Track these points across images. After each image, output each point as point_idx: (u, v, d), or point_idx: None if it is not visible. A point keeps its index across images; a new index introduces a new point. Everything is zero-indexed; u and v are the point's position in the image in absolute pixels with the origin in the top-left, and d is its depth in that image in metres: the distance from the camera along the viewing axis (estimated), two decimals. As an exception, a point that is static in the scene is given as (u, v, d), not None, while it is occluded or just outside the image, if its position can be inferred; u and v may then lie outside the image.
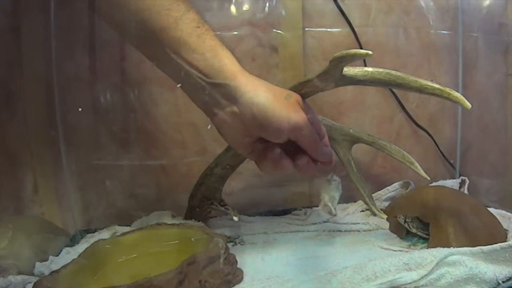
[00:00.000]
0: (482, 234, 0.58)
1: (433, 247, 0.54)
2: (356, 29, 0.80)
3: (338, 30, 0.81)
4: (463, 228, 0.59)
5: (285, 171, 0.48)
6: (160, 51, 0.47)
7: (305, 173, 0.50)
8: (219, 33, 0.75)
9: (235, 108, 0.46)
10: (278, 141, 0.47)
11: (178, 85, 0.48)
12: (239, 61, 0.48)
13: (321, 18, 0.80)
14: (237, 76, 0.46)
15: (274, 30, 0.79)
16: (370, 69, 0.55)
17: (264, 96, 0.46)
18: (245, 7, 0.78)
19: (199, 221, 0.70)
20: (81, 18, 0.74)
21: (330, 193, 0.60)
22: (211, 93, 0.47)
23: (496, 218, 0.63)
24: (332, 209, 0.59)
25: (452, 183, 0.82)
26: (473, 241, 0.55)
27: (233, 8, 0.78)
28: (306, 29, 0.80)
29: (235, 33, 0.78)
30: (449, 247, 0.53)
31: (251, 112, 0.45)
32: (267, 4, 0.78)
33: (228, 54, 0.48)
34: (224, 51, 0.48)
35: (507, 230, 0.62)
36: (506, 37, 0.81)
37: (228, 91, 0.46)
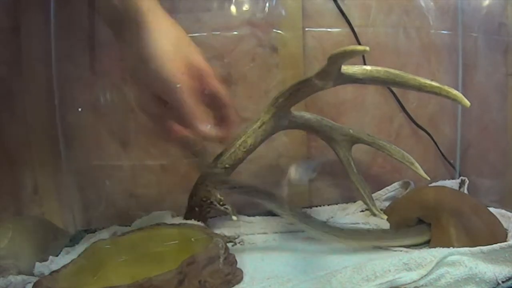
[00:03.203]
0: (483, 234, 0.58)
1: (434, 248, 0.54)
2: (356, 29, 0.80)
3: (338, 30, 0.81)
4: (464, 228, 0.58)
5: (178, 137, 0.48)
6: None
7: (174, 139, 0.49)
8: (219, 33, 0.76)
9: (138, 43, 0.45)
10: (156, 93, 0.46)
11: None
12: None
13: (321, 18, 0.80)
14: (149, 12, 0.45)
15: (274, 30, 0.79)
16: (369, 67, 0.55)
17: (163, 42, 0.45)
18: (245, 7, 0.79)
19: (199, 221, 0.70)
20: (81, 18, 0.74)
21: None
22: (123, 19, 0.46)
23: (496, 217, 0.63)
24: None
25: (452, 183, 0.82)
26: (474, 241, 0.55)
27: (233, 8, 0.78)
28: (306, 29, 0.80)
29: (235, 33, 0.78)
30: (451, 247, 0.53)
31: (147, 52, 0.44)
32: (267, 4, 0.78)
33: None
34: None
35: (507, 230, 0.62)
36: (506, 37, 0.81)
37: (136, 23, 0.45)
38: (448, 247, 0.52)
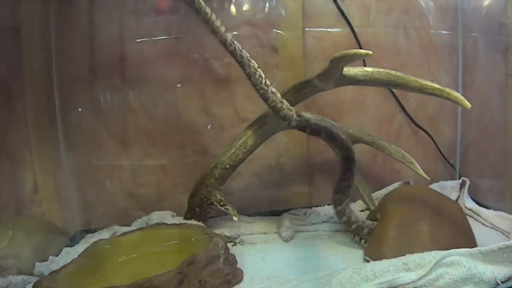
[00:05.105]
0: (443, 232, 0.58)
1: (374, 235, 0.55)
2: (356, 29, 0.80)
3: (338, 30, 0.81)
4: (412, 221, 0.59)
5: None
6: None
7: None
8: (219, 33, 0.76)
9: None
10: None
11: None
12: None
13: (321, 18, 0.80)
14: None
15: (274, 30, 0.79)
16: (370, 69, 0.55)
17: None
18: (245, 7, 0.79)
19: (199, 221, 0.71)
20: (81, 17, 0.74)
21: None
22: None
23: (468, 225, 0.61)
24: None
25: (452, 184, 0.82)
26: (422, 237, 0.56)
27: (233, 8, 0.78)
28: (306, 29, 0.80)
29: (235, 33, 0.77)
30: (388, 232, 0.53)
31: None
32: (267, 4, 0.78)
33: None
34: None
35: (508, 233, 0.62)
36: (506, 37, 0.80)
37: None
38: (385, 234, 0.53)
